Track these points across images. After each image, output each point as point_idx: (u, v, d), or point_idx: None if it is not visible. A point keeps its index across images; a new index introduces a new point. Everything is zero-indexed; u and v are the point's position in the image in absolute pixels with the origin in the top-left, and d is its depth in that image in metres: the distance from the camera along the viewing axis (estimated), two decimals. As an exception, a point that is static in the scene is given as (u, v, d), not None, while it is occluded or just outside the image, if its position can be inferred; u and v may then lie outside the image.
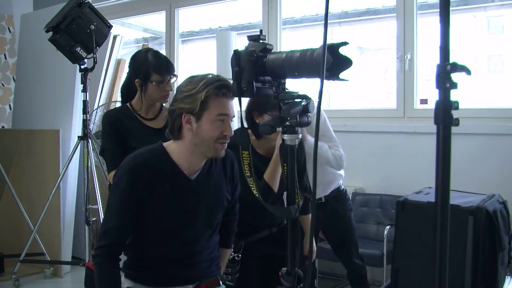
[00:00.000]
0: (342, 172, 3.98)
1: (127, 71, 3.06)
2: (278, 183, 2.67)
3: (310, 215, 3.14)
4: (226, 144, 2.16)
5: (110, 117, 2.94)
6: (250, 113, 2.72)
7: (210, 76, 2.12)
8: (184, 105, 2.09)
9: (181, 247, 2.24)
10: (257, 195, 1.88)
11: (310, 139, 3.35)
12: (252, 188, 1.90)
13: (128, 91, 3.04)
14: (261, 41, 1.78)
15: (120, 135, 2.85)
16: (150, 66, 2.89)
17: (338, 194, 3.95)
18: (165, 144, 2.25)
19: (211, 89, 2.06)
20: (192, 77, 2.15)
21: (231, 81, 2.04)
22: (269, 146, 2.73)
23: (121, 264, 2.59)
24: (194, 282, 2.27)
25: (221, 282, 2.40)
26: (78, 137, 4.66)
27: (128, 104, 3.00)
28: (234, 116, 2.16)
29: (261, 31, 1.86)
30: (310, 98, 1.67)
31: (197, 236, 2.26)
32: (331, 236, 4.08)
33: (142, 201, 2.12)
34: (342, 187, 4.00)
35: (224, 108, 2.09)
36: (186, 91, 2.10)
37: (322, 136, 3.69)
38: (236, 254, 2.72)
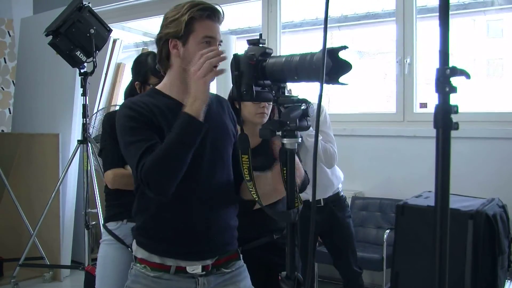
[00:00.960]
0: (341, 175, 3.98)
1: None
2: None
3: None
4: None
5: (111, 118, 2.94)
6: (231, 99, 2.69)
7: (196, 0, 2.06)
8: (169, 30, 2.03)
9: (191, 197, 2.06)
10: (256, 199, 1.87)
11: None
12: (251, 192, 1.88)
13: (130, 94, 3.06)
14: (260, 45, 1.79)
15: None
16: (148, 68, 2.91)
17: (337, 199, 3.94)
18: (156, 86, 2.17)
19: (194, 11, 2.00)
20: (177, 4, 2.08)
21: (218, 8, 2.04)
22: (253, 134, 2.54)
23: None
24: (213, 256, 2.11)
25: (241, 256, 2.27)
26: (78, 141, 4.66)
27: None
28: (221, 41, 2.08)
29: (260, 35, 1.86)
30: (310, 102, 1.67)
31: (206, 184, 2.08)
32: (329, 241, 4.06)
33: (152, 126, 1.98)
34: (342, 193, 3.99)
35: (209, 30, 2.02)
36: (171, 16, 2.05)
37: (320, 131, 3.67)
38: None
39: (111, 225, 2.84)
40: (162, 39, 2.07)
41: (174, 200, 1.99)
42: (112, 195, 2.90)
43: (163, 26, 2.07)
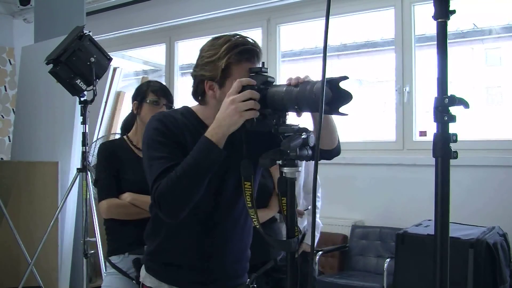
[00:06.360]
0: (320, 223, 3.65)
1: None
2: None
3: None
4: None
5: (105, 148, 2.97)
6: None
7: (234, 38, 1.91)
8: (205, 73, 1.91)
9: (209, 224, 2.00)
10: (257, 226, 1.85)
11: None
12: (253, 220, 1.87)
13: (127, 121, 3.10)
14: (263, 73, 1.80)
15: (114, 166, 2.87)
16: (149, 87, 2.97)
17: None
18: (190, 106, 2.09)
19: (233, 56, 1.86)
20: (215, 39, 1.94)
21: (257, 48, 1.91)
22: None
23: None
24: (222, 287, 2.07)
25: None
26: (77, 169, 4.64)
27: (125, 136, 3.03)
28: None
29: (263, 63, 1.87)
30: (310, 131, 1.67)
31: (225, 212, 2.03)
32: None
33: (179, 144, 1.92)
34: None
35: (247, 74, 1.86)
36: (207, 56, 1.91)
37: None
38: (252, 285, 2.67)
39: (114, 259, 2.82)
40: (197, 78, 1.98)
41: (190, 225, 1.96)
42: (112, 228, 2.90)
43: (198, 65, 1.96)
